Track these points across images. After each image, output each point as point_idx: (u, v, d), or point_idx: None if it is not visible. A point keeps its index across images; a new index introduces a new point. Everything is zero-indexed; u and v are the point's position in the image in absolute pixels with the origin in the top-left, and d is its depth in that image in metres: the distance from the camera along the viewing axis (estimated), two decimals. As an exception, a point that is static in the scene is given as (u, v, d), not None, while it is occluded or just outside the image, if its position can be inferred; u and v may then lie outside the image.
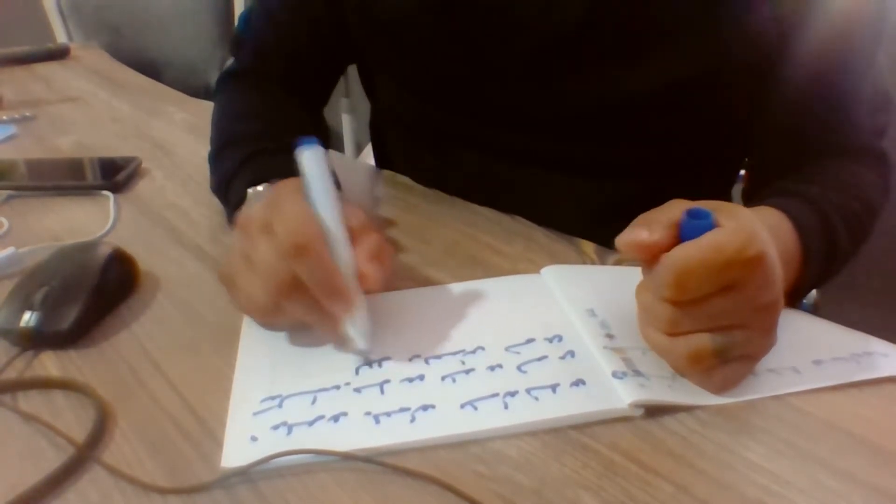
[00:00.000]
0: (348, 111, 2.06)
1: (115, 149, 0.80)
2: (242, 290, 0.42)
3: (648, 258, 0.37)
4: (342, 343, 0.42)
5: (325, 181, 0.42)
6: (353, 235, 0.43)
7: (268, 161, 0.56)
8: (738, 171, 0.71)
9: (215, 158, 0.63)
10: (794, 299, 0.51)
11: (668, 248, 0.36)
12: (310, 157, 0.42)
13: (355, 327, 0.41)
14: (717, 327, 0.37)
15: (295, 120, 0.66)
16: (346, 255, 0.42)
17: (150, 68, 1.33)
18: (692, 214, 0.36)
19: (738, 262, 0.35)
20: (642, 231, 0.36)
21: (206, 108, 0.97)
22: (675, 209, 0.37)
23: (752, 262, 0.35)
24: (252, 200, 0.52)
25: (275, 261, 0.39)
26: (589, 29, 0.55)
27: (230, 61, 0.73)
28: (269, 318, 0.43)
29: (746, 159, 0.67)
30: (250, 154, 0.57)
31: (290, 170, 0.44)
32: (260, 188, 0.52)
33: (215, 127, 0.67)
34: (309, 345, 0.44)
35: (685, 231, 0.36)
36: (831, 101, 0.56)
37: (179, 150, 0.80)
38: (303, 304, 0.40)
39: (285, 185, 0.44)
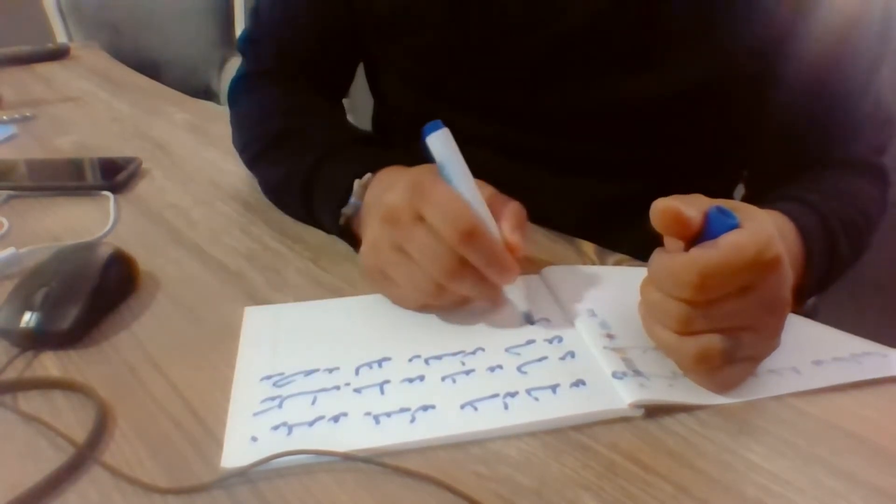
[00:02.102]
0: (348, 111, 2.06)
1: (115, 149, 0.80)
2: (401, 280, 0.44)
3: (675, 232, 0.37)
4: (502, 309, 0.46)
5: (458, 159, 0.44)
6: (491, 207, 0.45)
7: (359, 154, 0.56)
8: (740, 174, 0.71)
9: (267, 154, 0.62)
10: (795, 303, 0.51)
11: (693, 235, 0.36)
12: (440, 140, 0.44)
13: (516, 293, 0.45)
14: (728, 328, 0.37)
15: (340, 115, 0.68)
16: (494, 229, 0.44)
17: (150, 68, 1.33)
18: (720, 211, 0.36)
19: (758, 264, 0.35)
20: (680, 203, 0.36)
21: (207, 108, 0.97)
22: (702, 201, 0.37)
23: (770, 264, 0.35)
24: (369, 191, 0.51)
25: (438, 247, 0.41)
26: (596, 34, 0.55)
27: (243, 62, 0.72)
28: (432, 301, 0.44)
29: (748, 165, 0.68)
30: (333, 147, 0.57)
31: (388, 161, 0.50)
32: (355, 184, 0.52)
33: (253, 126, 0.65)
34: (309, 346, 0.44)
35: (712, 225, 0.36)
36: (833, 114, 0.57)
37: (179, 150, 0.80)
38: (469, 282, 0.42)
39: (420, 172, 0.46)
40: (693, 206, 0.37)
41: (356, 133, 0.62)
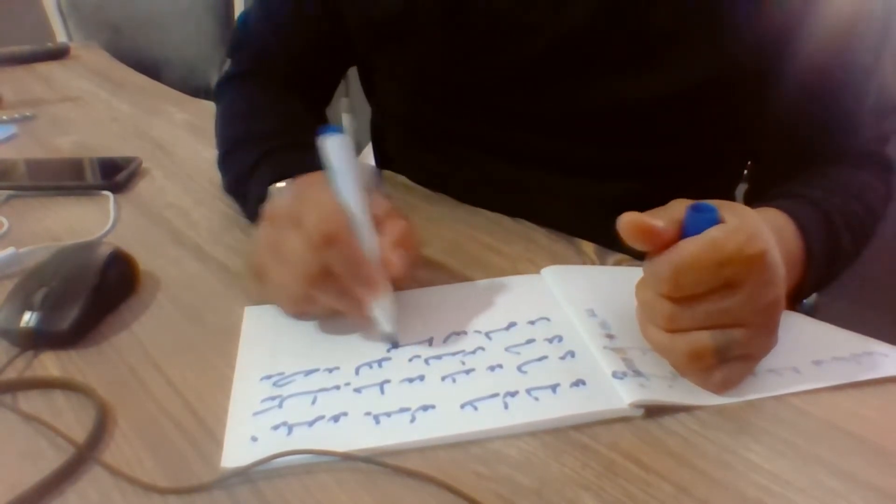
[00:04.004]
0: (348, 111, 2.06)
1: (115, 149, 0.80)
2: (273, 281, 0.43)
3: (649, 245, 0.37)
4: (369, 328, 0.43)
5: (350, 168, 0.43)
6: (379, 222, 0.44)
7: (288, 157, 0.56)
8: (742, 172, 0.71)
9: (227, 158, 0.63)
10: (795, 301, 0.51)
11: (670, 241, 0.36)
12: (334, 145, 0.43)
13: (382, 312, 0.42)
14: (716, 325, 0.37)
15: (303, 117, 0.66)
16: (371, 242, 0.43)
17: (150, 68, 1.33)
18: (696, 209, 0.36)
19: (738, 259, 0.35)
20: (645, 215, 0.36)
21: (206, 108, 0.97)
22: (678, 207, 0.37)
23: (752, 260, 0.35)
24: (276, 196, 0.51)
25: (304, 252, 0.40)
26: (594, 35, 0.55)
27: (228, 64, 0.73)
28: (301, 308, 0.44)
29: (750, 162, 0.67)
30: (267, 151, 0.57)
31: (311, 165, 0.46)
32: (282, 184, 0.52)
33: (223, 128, 0.67)
34: (309, 346, 0.44)
35: (689, 225, 0.36)
36: (835, 107, 0.56)
37: (179, 150, 0.80)
38: (333, 292, 0.41)
39: (311, 178, 0.45)
40: (665, 215, 0.37)
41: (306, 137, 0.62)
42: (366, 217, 0.43)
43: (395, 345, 0.43)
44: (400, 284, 0.44)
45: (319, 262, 0.40)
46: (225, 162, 0.63)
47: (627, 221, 0.36)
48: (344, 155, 0.43)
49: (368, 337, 0.44)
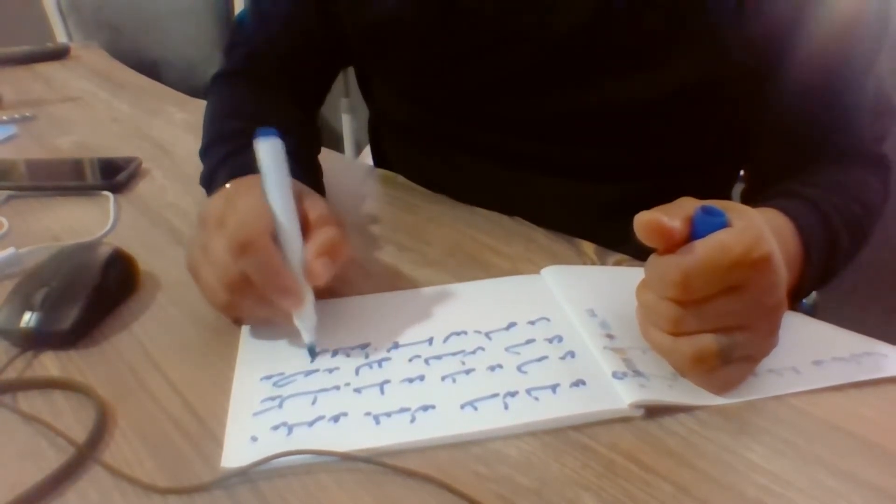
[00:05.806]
0: (348, 111, 2.06)
1: (115, 149, 0.80)
2: (203, 282, 0.43)
3: (661, 243, 0.36)
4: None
5: (280, 173, 0.42)
6: (310, 228, 0.43)
7: (247, 157, 0.56)
8: (739, 172, 0.71)
9: (204, 155, 0.63)
10: (794, 301, 0.50)
11: (681, 241, 0.36)
12: (265, 148, 0.42)
13: (302, 322, 0.42)
14: (721, 328, 0.37)
15: (281, 119, 0.65)
16: (296, 249, 0.42)
17: (150, 68, 1.33)
18: (706, 211, 0.36)
19: (745, 263, 0.35)
20: (662, 215, 0.36)
21: (206, 108, 0.97)
22: (688, 206, 0.37)
23: (759, 263, 0.35)
24: (214, 196, 0.51)
25: (225, 257, 0.40)
26: (587, 39, 0.55)
27: (222, 61, 0.73)
28: (227, 313, 0.44)
29: (747, 162, 0.67)
30: (232, 151, 0.57)
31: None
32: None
33: (205, 125, 0.67)
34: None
35: (698, 226, 0.36)
36: (832, 106, 0.56)
37: (179, 150, 0.80)
38: (253, 299, 0.41)
39: (245, 180, 0.45)
40: (677, 214, 0.36)
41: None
42: (292, 222, 0.41)
43: (312, 356, 0.42)
44: (324, 293, 0.43)
45: (238, 268, 0.39)
46: (202, 158, 0.64)
47: (644, 221, 0.36)
48: (273, 158, 0.42)
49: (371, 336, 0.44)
